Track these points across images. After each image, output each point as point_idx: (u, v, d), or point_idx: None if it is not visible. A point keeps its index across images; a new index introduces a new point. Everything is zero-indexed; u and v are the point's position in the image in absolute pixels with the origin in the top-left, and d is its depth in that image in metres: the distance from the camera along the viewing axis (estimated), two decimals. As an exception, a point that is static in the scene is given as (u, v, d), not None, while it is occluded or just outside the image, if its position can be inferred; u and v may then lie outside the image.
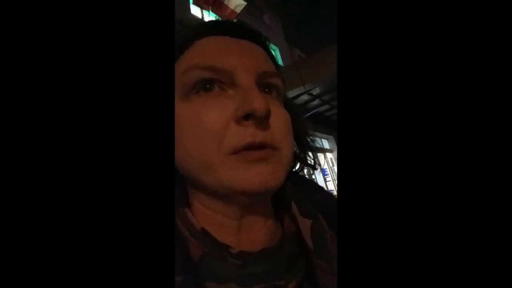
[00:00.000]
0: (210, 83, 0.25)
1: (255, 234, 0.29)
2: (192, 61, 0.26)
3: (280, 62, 9.39)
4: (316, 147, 0.36)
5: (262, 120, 0.24)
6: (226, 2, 4.89)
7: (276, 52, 9.65)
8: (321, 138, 6.97)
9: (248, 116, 0.23)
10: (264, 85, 0.27)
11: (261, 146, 0.24)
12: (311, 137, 0.37)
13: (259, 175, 0.24)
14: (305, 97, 5.85)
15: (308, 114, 6.30)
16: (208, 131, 0.24)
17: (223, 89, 0.26)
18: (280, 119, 0.26)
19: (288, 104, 0.32)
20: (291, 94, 4.94)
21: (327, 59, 4.55)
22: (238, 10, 5.15)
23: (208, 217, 0.28)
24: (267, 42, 0.31)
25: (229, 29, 0.28)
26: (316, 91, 5.55)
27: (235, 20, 0.30)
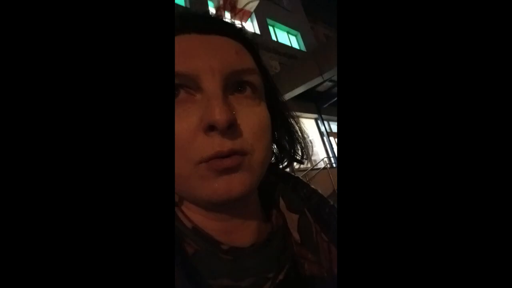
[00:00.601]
0: (176, 88, 0.24)
1: (244, 231, 0.29)
2: None
3: (302, 47, 9.18)
4: (304, 138, 0.35)
5: (227, 130, 0.23)
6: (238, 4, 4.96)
7: (297, 37, 9.44)
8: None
9: (211, 127, 0.23)
10: (235, 84, 0.26)
11: (229, 154, 0.24)
12: (301, 129, 0.35)
13: (226, 185, 0.24)
14: (329, 84, 5.78)
15: (332, 101, 6.22)
16: (177, 143, 0.24)
17: (189, 93, 0.25)
18: (252, 121, 0.25)
19: (272, 98, 0.31)
20: (310, 84, 4.94)
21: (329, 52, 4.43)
22: (251, 8, 5.20)
23: (197, 217, 0.28)
24: (245, 34, 0.30)
25: (194, 26, 0.27)
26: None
27: (212, 13, 0.31)
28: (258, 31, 7.65)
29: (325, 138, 6.47)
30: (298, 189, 0.35)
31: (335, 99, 6.16)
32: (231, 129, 0.24)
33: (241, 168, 0.24)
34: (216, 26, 0.28)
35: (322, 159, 5.72)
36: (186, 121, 0.24)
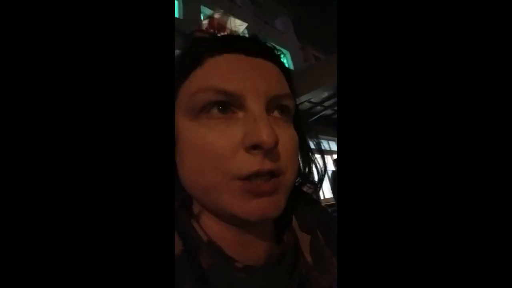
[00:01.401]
0: (223, 105, 0.25)
1: (257, 248, 0.29)
2: (204, 82, 0.26)
3: (290, 65, 9.58)
4: (314, 161, 0.35)
5: (270, 150, 0.24)
6: (228, 25, 5.20)
7: (286, 56, 9.86)
8: (328, 140, 7.13)
9: (256, 146, 0.24)
10: (274, 107, 0.27)
11: (268, 174, 0.24)
12: (314, 150, 0.36)
13: (260, 208, 0.24)
14: (308, 104, 6.09)
15: (313, 119, 6.53)
16: (216, 156, 0.24)
17: (233, 111, 0.26)
18: (287, 143, 0.26)
19: (297, 119, 0.32)
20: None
21: (326, 67, 4.74)
22: (240, 29, 5.47)
23: (213, 230, 0.28)
24: (282, 58, 0.31)
25: (242, 47, 0.28)
26: (318, 98, 5.76)
27: (248, 35, 0.32)
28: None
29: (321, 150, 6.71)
30: (312, 209, 0.36)
31: (315, 117, 6.47)
32: (273, 150, 0.24)
33: (276, 190, 0.25)
34: (262, 50, 0.29)
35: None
36: (228, 137, 0.25)
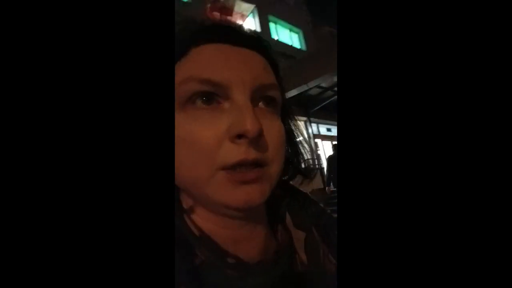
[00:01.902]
0: (207, 96, 0.25)
1: (250, 244, 0.30)
2: (189, 72, 0.26)
3: (303, 46, 9.22)
4: (303, 155, 0.35)
5: (255, 139, 0.24)
6: (235, 8, 5.05)
7: (299, 35, 9.48)
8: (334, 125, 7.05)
9: (240, 136, 0.24)
10: (260, 98, 0.27)
11: (253, 163, 0.25)
12: (305, 143, 0.36)
13: (245, 195, 0.25)
14: (318, 89, 5.93)
15: (321, 105, 6.39)
16: (202, 147, 0.24)
17: (218, 101, 0.26)
18: (273, 134, 0.27)
19: (285, 110, 0.32)
20: (296, 91, 5.11)
21: (329, 53, 4.56)
22: (247, 12, 5.30)
23: (207, 224, 0.29)
24: (268, 47, 0.31)
25: (227, 36, 0.28)
26: (329, 83, 5.59)
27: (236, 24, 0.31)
28: (258, 29, 7.73)
29: (311, 141, 6.69)
30: (306, 205, 0.35)
31: (324, 103, 6.33)
32: (258, 138, 0.25)
33: (261, 178, 0.26)
34: (248, 40, 0.29)
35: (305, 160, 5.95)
36: (213, 127, 0.25)
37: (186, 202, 0.30)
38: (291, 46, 8.72)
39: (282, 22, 8.82)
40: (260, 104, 0.28)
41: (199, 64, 0.26)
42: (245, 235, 0.30)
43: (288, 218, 0.33)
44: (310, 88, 5.31)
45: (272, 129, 0.27)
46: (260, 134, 0.25)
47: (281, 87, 0.30)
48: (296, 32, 9.47)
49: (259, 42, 0.30)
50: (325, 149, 6.81)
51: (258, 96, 0.27)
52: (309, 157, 0.36)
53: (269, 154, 0.26)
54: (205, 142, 0.25)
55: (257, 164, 0.25)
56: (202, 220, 0.29)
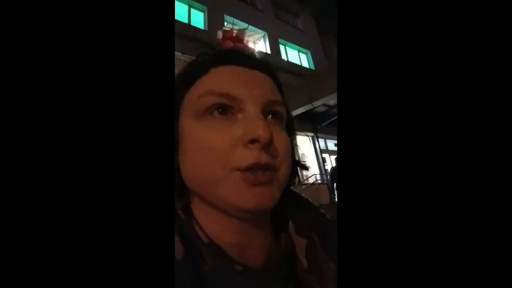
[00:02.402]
0: (223, 107, 0.29)
1: (256, 249, 0.31)
2: (209, 86, 0.29)
3: (311, 66, 9.78)
4: (298, 162, 0.38)
5: (266, 145, 0.27)
6: (246, 38, 5.62)
7: (307, 55, 10.07)
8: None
9: (253, 141, 0.27)
10: (268, 112, 0.30)
11: (265, 167, 0.27)
12: (298, 153, 0.38)
13: (257, 197, 0.27)
14: (323, 108, 6.39)
15: (328, 121, 6.81)
16: (217, 151, 0.27)
17: (232, 113, 0.29)
18: (281, 143, 0.30)
19: (289, 123, 0.35)
20: (302, 110, 5.58)
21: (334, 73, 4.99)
22: (258, 40, 5.89)
23: (215, 227, 0.30)
24: (275, 71, 0.35)
25: (242, 60, 0.32)
26: (335, 101, 6.04)
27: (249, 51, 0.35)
28: (269, 51, 8.36)
29: (319, 155, 7.10)
30: (307, 212, 0.37)
31: (332, 119, 6.76)
32: (268, 146, 0.28)
33: (271, 182, 0.28)
34: (259, 64, 0.33)
35: (313, 175, 6.35)
36: (228, 133, 0.28)
37: (198, 207, 0.32)
38: (299, 65, 9.29)
39: (291, 44, 9.47)
40: (269, 117, 0.31)
41: (218, 81, 0.30)
42: (252, 240, 0.31)
43: (291, 225, 0.35)
44: (317, 107, 5.78)
45: (280, 138, 0.30)
46: (271, 141, 0.27)
47: (285, 105, 0.34)
48: (305, 53, 10.08)
49: (268, 67, 0.35)
50: (333, 164, 7.17)
51: (267, 110, 0.30)
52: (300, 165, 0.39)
53: (278, 160, 0.29)
54: (221, 146, 0.28)
55: (268, 168, 0.28)
56: (211, 223, 0.31)
